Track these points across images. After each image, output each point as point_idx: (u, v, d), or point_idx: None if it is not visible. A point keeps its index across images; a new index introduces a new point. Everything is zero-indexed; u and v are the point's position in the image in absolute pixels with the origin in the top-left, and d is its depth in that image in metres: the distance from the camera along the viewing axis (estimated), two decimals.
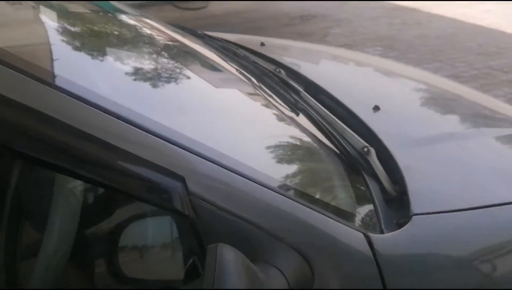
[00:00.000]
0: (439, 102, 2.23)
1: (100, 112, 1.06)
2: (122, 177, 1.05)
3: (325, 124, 1.68)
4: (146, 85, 1.55)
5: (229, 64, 2.06)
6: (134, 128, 1.08)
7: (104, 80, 1.42)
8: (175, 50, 2.05)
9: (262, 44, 2.61)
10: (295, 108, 1.80)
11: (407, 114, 1.95)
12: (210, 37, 2.40)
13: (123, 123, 1.07)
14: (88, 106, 1.05)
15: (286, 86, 1.92)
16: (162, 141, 1.09)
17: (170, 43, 2.09)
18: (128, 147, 1.04)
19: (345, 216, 1.31)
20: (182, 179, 1.05)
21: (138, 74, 1.55)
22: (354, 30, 7.54)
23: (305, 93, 1.86)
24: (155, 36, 2.14)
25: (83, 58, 1.54)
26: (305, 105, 1.80)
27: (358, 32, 7.39)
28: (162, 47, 2.02)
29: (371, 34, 7.27)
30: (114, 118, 1.06)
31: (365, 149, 1.53)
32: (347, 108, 1.85)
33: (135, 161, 1.04)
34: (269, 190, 1.15)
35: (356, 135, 1.60)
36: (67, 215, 1.16)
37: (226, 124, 1.50)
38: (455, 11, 8.30)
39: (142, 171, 1.06)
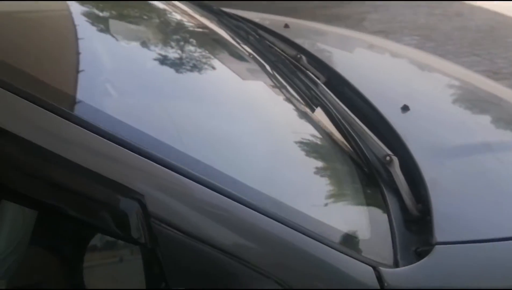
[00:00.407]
0: (477, 104, 2.00)
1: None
2: (56, 193, 0.82)
3: (343, 123, 1.46)
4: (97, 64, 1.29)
5: (241, 47, 1.83)
6: (75, 125, 0.85)
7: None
8: (176, 28, 1.83)
9: (286, 25, 2.37)
10: (310, 103, 1.57)
11: (439, 117, 1.72)
12: (226, 14, 2.17)
13: (59, 117, 0.84)
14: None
15: (304, 76, 1.70)
16: (115, 145, 0.85)
17: (173, 19, 1.87)
18: (65, 153, 0.81)
19: (352, 243, 1.10)
20: (139, 198, 0.82)
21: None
22: (392, 17, 7.30)
23: (323, 86, 1.63)
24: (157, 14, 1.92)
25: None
26: (323, 99, 1.57)
27: (396, 20, 7.15)
28: (161, 25, 1.80)
29: (409, 23, 7.03)
30: (44, 110, 0.83)
31: (388, 158, 1.34)
32: (371, 105, 1.64)
33: (76, 172, 0.81)
34: (255, 211, 0.93)
35: (378, 140, 1.40)
36: (16, 225, 0.96)
37: (210, 121, 1.26)
38: (499, 5, 7.98)
39: (86, 186, 0.82)
